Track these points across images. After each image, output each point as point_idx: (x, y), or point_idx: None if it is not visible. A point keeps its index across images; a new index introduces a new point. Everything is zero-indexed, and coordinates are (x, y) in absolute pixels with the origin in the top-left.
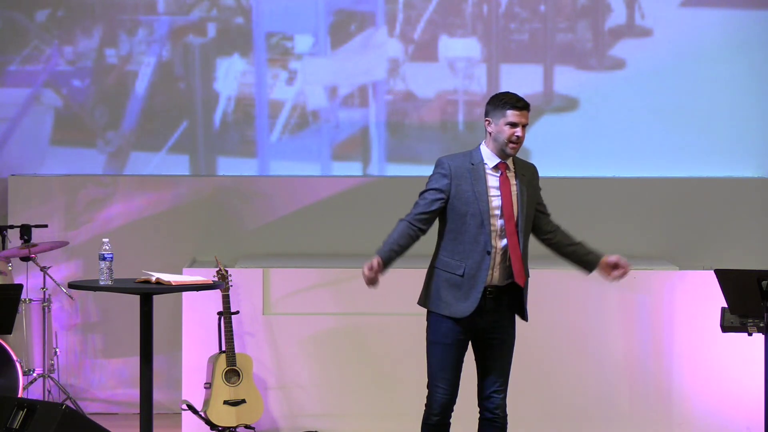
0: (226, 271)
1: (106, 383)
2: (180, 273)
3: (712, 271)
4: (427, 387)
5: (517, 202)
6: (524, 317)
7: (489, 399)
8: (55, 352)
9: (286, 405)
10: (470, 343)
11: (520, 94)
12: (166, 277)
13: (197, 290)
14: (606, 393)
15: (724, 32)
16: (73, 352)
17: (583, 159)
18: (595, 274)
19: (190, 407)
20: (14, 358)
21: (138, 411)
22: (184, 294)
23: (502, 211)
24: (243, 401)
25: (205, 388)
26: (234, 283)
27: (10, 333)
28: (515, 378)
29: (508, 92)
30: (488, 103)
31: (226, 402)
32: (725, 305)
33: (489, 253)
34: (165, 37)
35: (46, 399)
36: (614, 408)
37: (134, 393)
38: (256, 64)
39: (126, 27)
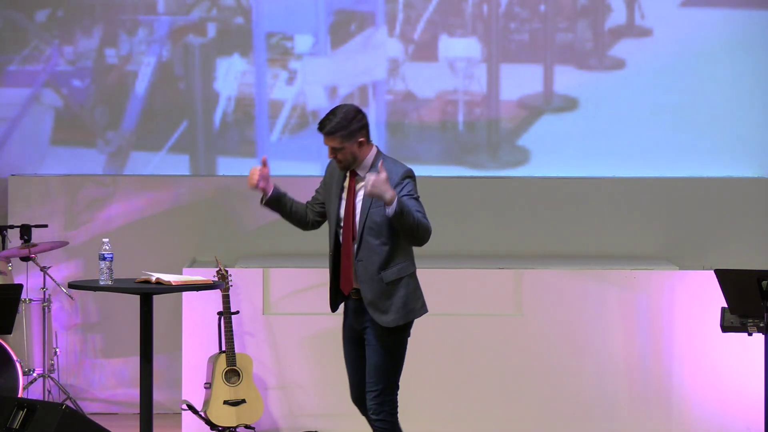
0: (226, 271)
1: (106, 383)
2: (180, 273)
3: (712, 271)
4: None
5: (358, 209)
6: (379, 323)
7: (363, 401)
8: (55, 352)
9: (286, 405)
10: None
11: (520, 94)
12: (166, 277)
13: (197, 290)
14: (606, 393)
15: (724, 32)
16: (73, 352)
17: (583, 159)
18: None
19: (190, 407)
20: (14, 358)
21: (138, 411)
22: (184, 294)
23: (345, 216)
24: (243, 401)
25: (205, 388)
26: (234, 283)
27: (10, 333)
28: (515, 378)
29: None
30: None
31: (226, 402)
32: (725, 305)
33: (340, 258)
34: (165, 37)
35: (46, 399)
36: (614, 408)
37: (134, 393)
38: (256, 64)
39: (126, 27)
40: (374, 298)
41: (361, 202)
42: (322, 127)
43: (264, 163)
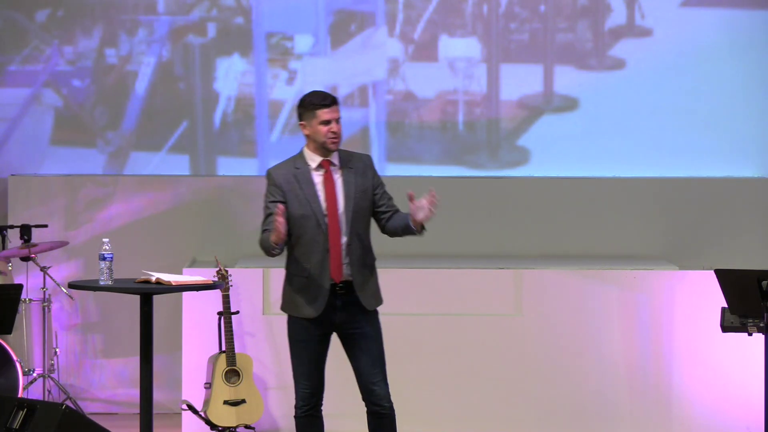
0: (226, 271)
1: (106, 383)
2: (180, 273)
3: (712, 271)
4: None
5: (342, 197)
6: (368, 307)
7: (371, 392)
8: (55, 352)
9: (286, 405)
10: (338, 339)
11: (520, 94)
12: (166, 277)
13: (197, 290)
14: (606, 393)
15: (724, 32)
16: (73, 352)
17: (583, 159)
18: (594, 273)
19: (190, 407)
20: (14, 358)
21: (138, 411)
22: (184, 294)
23: (328, 210)
24: (243, 401)
25: (205, 388)
26: (234, 283)
27: (10, 333)
28: (515, 378)
29: (314, 91)
30: (298, 106)
31: (226, 402)
32: (725, 305)
33: (328, 251)
34: (165, 37)
35: (46, 399)
36: (614, 408)
37: (134, 393)
38: (256, 64)
39: (126, 27)
40: (363, 282)
41: (342, 192)
42: (328, 98)
43: (281, 212)
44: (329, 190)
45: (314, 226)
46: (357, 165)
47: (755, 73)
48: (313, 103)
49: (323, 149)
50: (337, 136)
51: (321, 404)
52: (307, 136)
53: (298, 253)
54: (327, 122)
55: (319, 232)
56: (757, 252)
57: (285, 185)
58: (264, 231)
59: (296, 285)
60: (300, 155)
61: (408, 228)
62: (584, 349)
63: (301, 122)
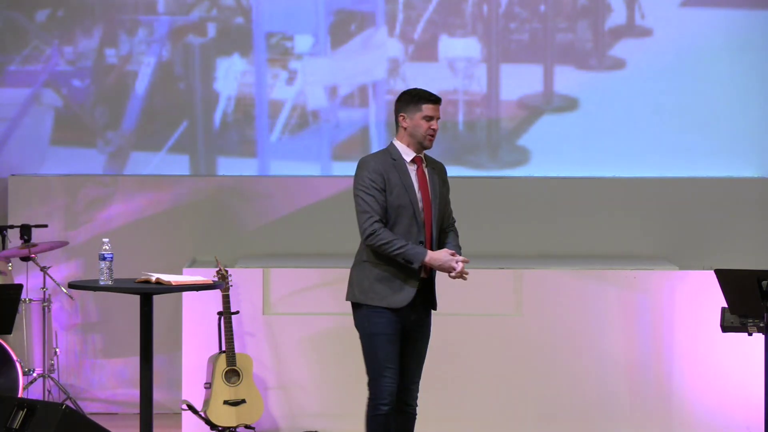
0: (226, 271)
1: (106, 383)
2: (180, 273)
3: (712, 271)
4: (370, 379)
5: (431, 194)
6: (435, 307)
7: (407, 391)
8: (55, 352)
9: (286, 405)
10: None
11: (520, 94)
12: (166, 277)
13: (197, 290)
14: (606, 393)
15: (724, 32)
16: (73, 352)
17: (583, 159)
18: (594, 273)
19: (190, 407)
20: (14, 358)
21: (138, 411)
22: (184, 294)
23: (423, 204)
24: (243, 401)
25: (205, 388)
26: (234, 283)
27: (10, 333)
28: (515, 378)
29: (420, 88)
30: (400, 99)
31: (226, 402)
32: (725, 305)
33: (422, 243)
34: (165, 37)
35: (46, 399)
36: (614, 408)
37: (134, 393)
38: (256, 64)
39: (126, 27)
40: (433, 281)
41: (431, 189)
42: (435, 96)
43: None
44: (423, 184)
45: (410, 216)
46: (438, 169)
47: (755, 73)
48: (421, 96)
49: (418, 145)
50: (434, 134)
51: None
52: (404, 129)
53: None
54: (430, 118)
55: (414, 224)
56: (757, 252)
57: (385, 173)
58: (402, 245)
59: (379, 275)
60: (392, 148)
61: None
62: (584, 349)
63: (401, 114)
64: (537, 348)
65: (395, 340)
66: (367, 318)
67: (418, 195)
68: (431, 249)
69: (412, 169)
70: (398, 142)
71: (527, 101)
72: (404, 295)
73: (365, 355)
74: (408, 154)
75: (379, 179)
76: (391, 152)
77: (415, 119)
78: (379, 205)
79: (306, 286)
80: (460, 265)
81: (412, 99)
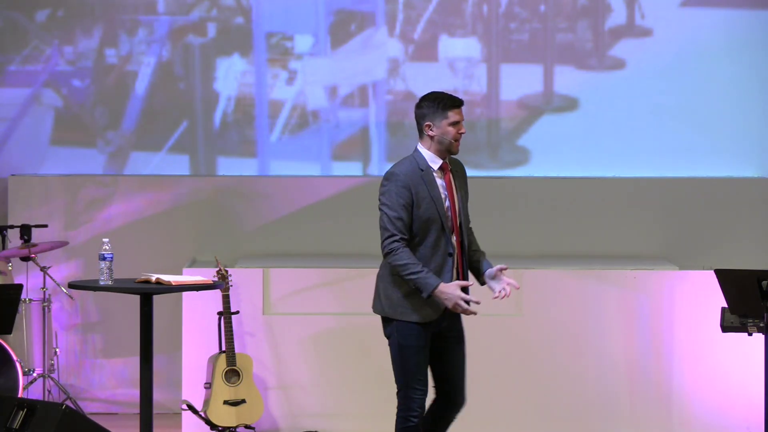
0: (226, 271)
1: (106, 383)
2: (180, 273)
3: (712, 271)
4: (400, 391)
5: (458, 201)
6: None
7: (454, 393)
8: (55, 352)
9: (286, 405)
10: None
11: (520, 94)
12: (166, 277)
13: (197, 290)
14: (606, 393)
15: (724, 32)
16: (73, 352)
17: (583, 159)
18: (594, 273)
19: (190, 407)
20: (14, 358)
21: (138, 411)
22: (184, 294)
23: (451, 212)
24: (243, 401)
25: (205, 388)
26: (234, 283)
27: (10, 333)
28: (515, 378)
29: (441, 92)
30: (422, 107)
31: (226, 402)
32: (725, 305)
33: (451, 255)
34: (165, 37)
35: (46, 399)
36: (614, 408)
37: (134, 393)
38: (256, 64)
39: (126, 27)
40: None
41: (458, 195)
42: (458, 99)
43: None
44: (451, 194)
45: (438, 228)
46: (459, 170)
47: (755, 73)
48: (445, 101)
49: (445, 151)
50: (460, 139)
51: None
52: (431, 137)
53: (419, 256)
54: (456, 123)
55: (442, 236)
56: (757, 252)
57: (413, 188)
58: (416, 271)
59: (408, 289)
60: (418, 156)
61: (474, 273)
62: (584, 349)
63: (427, 123)
64: (537, 348)
65: (426, 352)
66: (398, 330)
67: (446, 204)
68: (461, 255)
69: (439, 178)
70: (424, 149)
71: (527, 101)
72: (434, 307)
73: (395, 364)
74: (435, 162)
75: (406, 194)
76: (418, 161)
77: (442, 127)
78: (403, 222)
79: (306, 286)
80: (465, 307)
81: (437, 106)
